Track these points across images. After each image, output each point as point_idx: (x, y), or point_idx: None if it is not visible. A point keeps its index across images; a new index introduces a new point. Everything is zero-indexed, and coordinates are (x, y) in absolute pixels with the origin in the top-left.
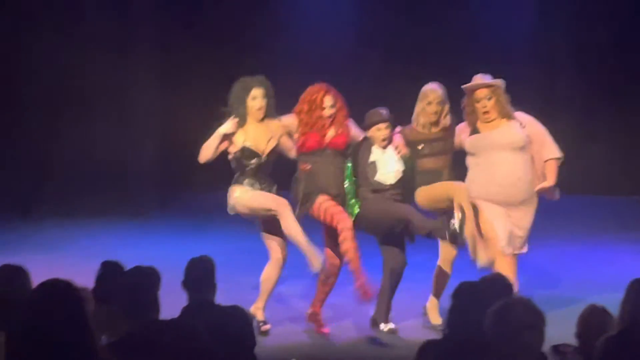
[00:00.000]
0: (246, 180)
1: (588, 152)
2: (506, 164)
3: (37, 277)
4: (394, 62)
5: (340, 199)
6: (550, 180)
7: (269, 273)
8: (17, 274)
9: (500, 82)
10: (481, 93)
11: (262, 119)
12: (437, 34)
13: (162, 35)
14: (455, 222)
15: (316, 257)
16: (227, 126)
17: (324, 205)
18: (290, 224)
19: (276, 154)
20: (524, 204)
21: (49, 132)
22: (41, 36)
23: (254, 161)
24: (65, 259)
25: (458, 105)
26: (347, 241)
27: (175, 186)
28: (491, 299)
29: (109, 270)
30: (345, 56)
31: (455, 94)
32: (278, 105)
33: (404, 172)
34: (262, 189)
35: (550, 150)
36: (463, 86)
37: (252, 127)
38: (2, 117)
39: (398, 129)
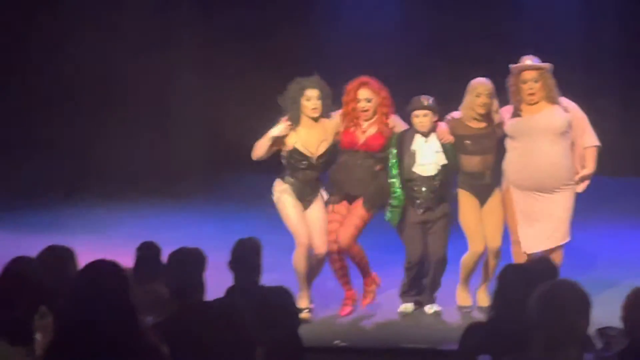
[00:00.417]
0: (291, 180)
1: (634, 133)
2: (544, 149)
3: (82, 258)
4: (440, 54)
5: (367, 197)
6: (589, 168)
7: (296, 259)
8: (64, 254)
9: (548, 66)
10: (529, 75)
11: (317, 120)
12: (484, 25)
13: (205, 25)
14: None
15: (304, 300)
16: (278, 129)
17: (330, 217)
18: (297, 261)
19: (329, 156)
20: (561, 191)
21: (94, 116)
22: (83, 31)
23: (303, 163)
24: (110, 240)
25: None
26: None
27: (221, 167)
28: (537, 282)
29: (148, 252)
30: (391, 49)
31: (502, 88)
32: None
33: (445, 167)
34: (305, 193)
35: (590, 138)
36: (511, 66)
37: (304, 129)
38: (50, 102)
39: (448, 116)
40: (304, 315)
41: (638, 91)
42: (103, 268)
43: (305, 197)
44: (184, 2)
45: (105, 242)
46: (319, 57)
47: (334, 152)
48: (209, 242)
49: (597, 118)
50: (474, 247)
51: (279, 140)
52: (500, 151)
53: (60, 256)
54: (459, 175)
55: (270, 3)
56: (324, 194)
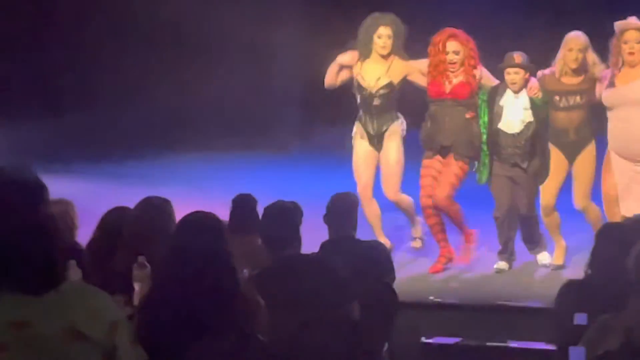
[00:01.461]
0: (361, 116)
1: None
2: (638, 119)
3: (178, 210)
4: (537, 10)
5: (459, 147)
6: None
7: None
8: (162, 206)
9: None
10: (631, 35)
11: (387, 57)
12: None
13: None
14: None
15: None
16: (344, 57)
17: (422, 171)
18: (363, 209)
19: (390, 93)
20: None
21: (191, 72)
22: None
23: (364, 94)
24: (207, 193)
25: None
26: (452, 215)
27: (318, 121)
28: (634, 241)
29: (243, 204)
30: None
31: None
32: (412, 47)
33: (533, 125)
34: (372, 127)
35: None
36: (615, 23)
37: (371, 63)
38: (146, 57)
39: (540, 72)
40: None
41: None
42: (201, 219)
43: (379, 132)
44: None
45: (201, 194)
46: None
47: (398, 90)
48: (305, 195)
49: None
50: (543, 201)
51: (347, 70)
52: (598, 110)
53: (157, 207)
54: (549, 129)
55: None
56: (403, 131)
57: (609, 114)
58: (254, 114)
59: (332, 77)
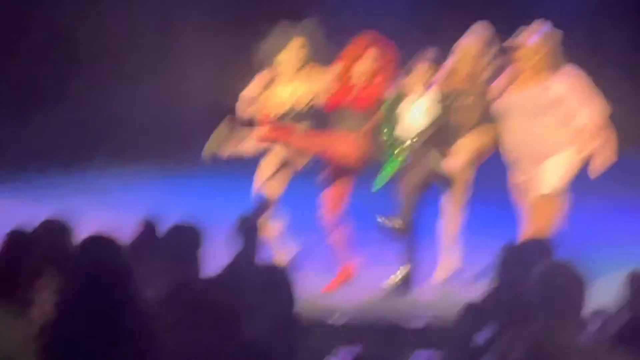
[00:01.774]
0: None
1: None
2: (521, 130)
3: (88, 225)
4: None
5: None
6: (586, 148)
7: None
8: (62, 228)
9: (547, 37)
10: (522, 52)
11: (301, 68)
12: None
13: None
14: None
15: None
16: (257, 81)
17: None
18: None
19: (309, 103)
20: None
21: (101, 85)
22: None
23: (287, 119)
24: (118, 206)
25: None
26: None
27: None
28: (533, 261)
29: (144, 229)
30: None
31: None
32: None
33: (434, 124)
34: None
35: (586, 115)
36: (504, 44)
37: (285, 82)
38: (59, 71)
39: (437, 76)
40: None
41: None
42: (101, 243)
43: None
44: None
45: (111, 207)
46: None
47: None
48: (216, 210)
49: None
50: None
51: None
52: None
53: (58, 229)
54: (448, 128)
55: None
56: None
57: (500, 123)
58: (167, 126)
59: (251, 148)
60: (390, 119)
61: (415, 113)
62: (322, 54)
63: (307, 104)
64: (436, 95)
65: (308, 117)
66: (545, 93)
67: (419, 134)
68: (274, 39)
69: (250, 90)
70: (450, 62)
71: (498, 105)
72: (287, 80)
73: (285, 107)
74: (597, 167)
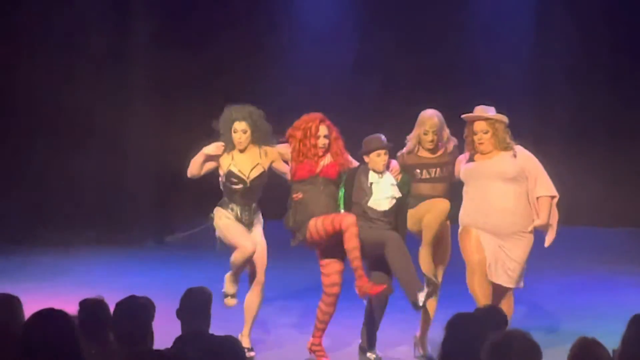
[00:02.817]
0: (229, 205)
1: (586, 184)
2: (495, 193)
3: (31, 307)
4: (392, 89)
5: None
6: (542, 218)
7: (251, 299)
8: (10, 303)
9: (500, 117)
10: (479, 125)
11: (244, 150)
12: (435, 60)
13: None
14: (423, 296)
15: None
16: (211, 148)
17: (318, 220)
18: (238, 257)
19: (263, 180)
20: (515, 236)
21: (43, 163)
22: (37, 64)
23: (239, 186)
24: (59, 289)
25: (460, 130)
26: (353, 238)
27: (172, 215)
28: (486, 331)
29: (92, 307)
30: (343, 82)
31: (457, 119)
32: (274, 130)
33: (399, 200)
34: (243, 216)
35: (543, 187)
36: (463, 116)
37: (239, 153)
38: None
39: (399, 153)
40: (249, 354)
41: (589, 138)
42: (51, 317)
43: (244, 223)
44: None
45: (54, 290)
46: (269, 91)
47: (267, 177)
48: (158, 290)
49: (550, 166)
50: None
51: (215, 161)
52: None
53: (6, 305)
54: (411, 200)
55: (224, 39)
56: (261, 221)
57: (465, 189)
58: (109, 207)
59: (197, 167)
60: (356, 191)
61: (384, 187)
62: (267, 133)
63: (257, 176)
64: (398, 175)
65: (256, 189)
66: (511, 161)
67: (390, 208)
68: (224, 120)
69: (209, 149)
70: (414, 132)
71: (468, 171)
72: (241, 152)
73: (240, 175)
74: (550, 237)
